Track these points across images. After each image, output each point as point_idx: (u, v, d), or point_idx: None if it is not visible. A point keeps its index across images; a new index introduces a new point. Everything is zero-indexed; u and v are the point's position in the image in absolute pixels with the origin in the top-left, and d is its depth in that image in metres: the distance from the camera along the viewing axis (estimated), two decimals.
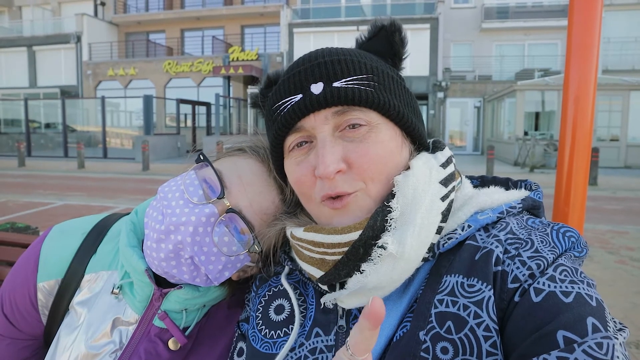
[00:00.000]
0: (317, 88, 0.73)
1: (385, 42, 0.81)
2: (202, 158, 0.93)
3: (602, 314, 0.57)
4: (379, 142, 0.74)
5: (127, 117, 29.04)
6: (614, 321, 0.60)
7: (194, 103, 23.98)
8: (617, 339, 0.54)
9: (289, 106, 0.75)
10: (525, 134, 17.88)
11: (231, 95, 24.42)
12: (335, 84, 0.72)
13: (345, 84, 0.72)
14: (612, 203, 9.74)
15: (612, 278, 4.91)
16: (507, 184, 0.88)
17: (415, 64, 22.82)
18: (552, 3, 24.08)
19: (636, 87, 16.89)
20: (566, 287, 0.60)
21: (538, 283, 0.62)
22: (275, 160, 0.85)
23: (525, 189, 0.85)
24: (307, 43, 24.02)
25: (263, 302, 0.89)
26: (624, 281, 4.82)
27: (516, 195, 0.80)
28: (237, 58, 24.89)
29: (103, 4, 30.58)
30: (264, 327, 0.84)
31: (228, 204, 0.86)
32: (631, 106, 16.88)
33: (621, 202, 9.96)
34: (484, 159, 16.19)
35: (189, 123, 25.02)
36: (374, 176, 0.73)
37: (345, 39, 22.78)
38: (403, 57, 0.83)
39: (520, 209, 0.77)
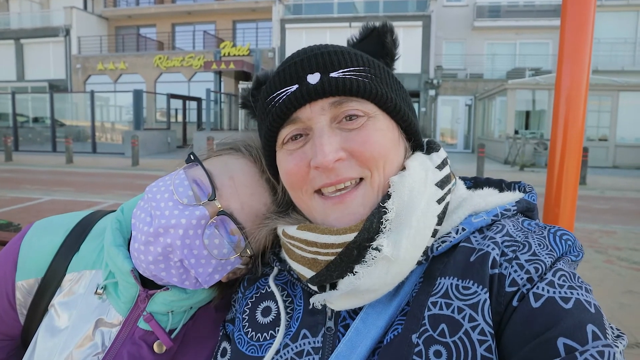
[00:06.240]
0: (313, 78, 0.71)
1: (377, 43, 0.81)
2: (192, 158, 0.90)
3: (601, 321, 0.57)
4: (378, 130, 0.73)
5: (117, 111, 28.71)
6: (612, 328, 0.59)
7: (185, 98, 23.84)
8: (617, 347, 0.54)
9: (284, 96, 0.73)
10: (516, 132, 17.99)
11: (222, 91, 24.30)
12: (333, 74, 0.71)
13: (343, 74, 0.71)
14: (601, 202, 9.85)
15: (600, 277, 4.96)
16: (501, 185, 0.87)
17: (407, 61, 22.87)
18: (543, 3, 24.24)
19: (625, 87, 17.08)
20: (565, 292, 0.59)
21: (537, 288, 0.61)
22: (267, 155, 0.82)
23: (519, 191, 0.84)
24: (299, 39, 23.94)
25: (250, 304, 0.87)
26: (612, 281, 4.88)
27: (510, 198, 0.79)
28: (229, 53, 24.77)
29: None
30: (250, 329, 0.83)
31: (219, 206, 0.83)
32: (620, 106, 17.07)
33: (609, 201, 10.07)
34: (475, 157, 16.27)
35: (180, 118, 24.86)
36: (378, 164, 0.72)
37: (338, 35, 22.76)
38: (395, 58, 0.82)
39: (515, 212, 0.76)
